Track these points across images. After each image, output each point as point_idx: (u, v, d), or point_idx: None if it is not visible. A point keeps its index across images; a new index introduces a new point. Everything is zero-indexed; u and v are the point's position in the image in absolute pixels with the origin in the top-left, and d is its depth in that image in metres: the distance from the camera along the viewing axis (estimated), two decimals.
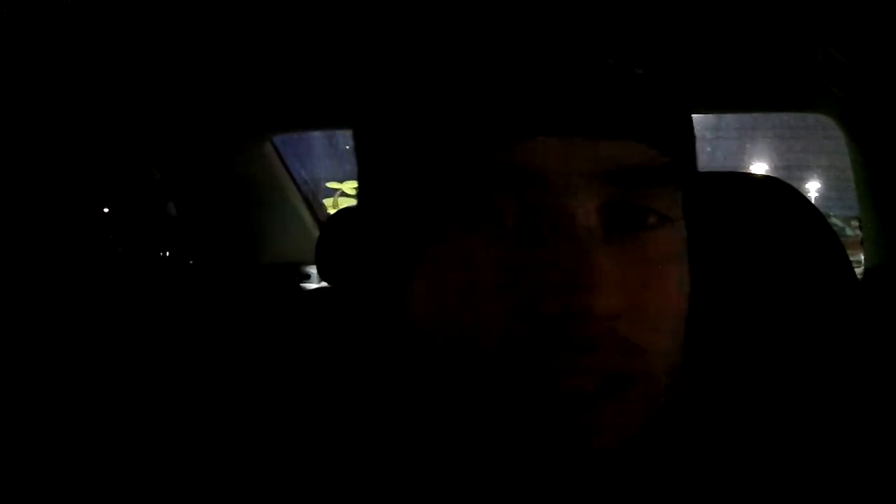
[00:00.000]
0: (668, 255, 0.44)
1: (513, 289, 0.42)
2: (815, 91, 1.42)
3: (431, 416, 0.50)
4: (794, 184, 0.82)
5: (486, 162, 0.42)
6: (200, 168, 1.93)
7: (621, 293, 0.40)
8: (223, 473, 0.58)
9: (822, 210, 0.82)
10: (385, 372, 0.54)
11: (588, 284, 0.39)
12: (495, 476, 0.47)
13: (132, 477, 0.67)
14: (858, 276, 1.15)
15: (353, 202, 2.85)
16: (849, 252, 0.82)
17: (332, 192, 2.99)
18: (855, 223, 1.81)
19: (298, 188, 2.08)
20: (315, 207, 2.15)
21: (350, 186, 2.99)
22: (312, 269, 2.02)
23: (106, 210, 2.25)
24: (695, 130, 0.51)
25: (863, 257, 1.50)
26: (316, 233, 2.05)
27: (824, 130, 1.59)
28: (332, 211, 2.34)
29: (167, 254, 2.29)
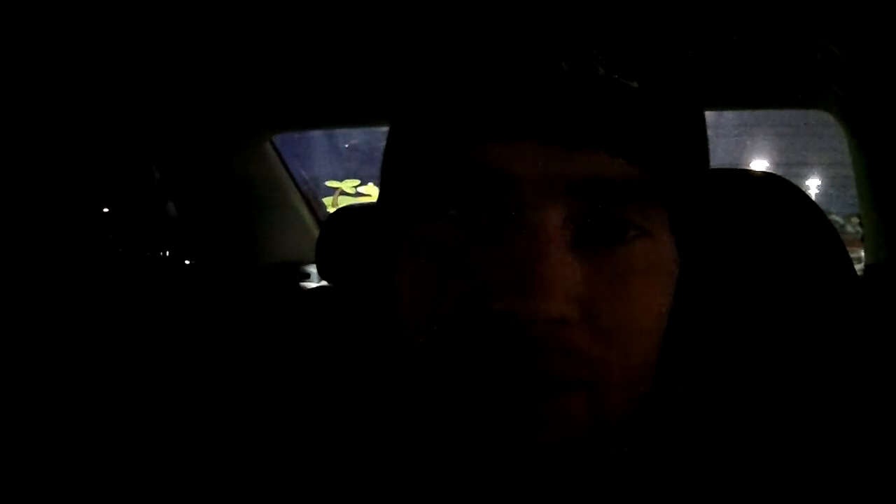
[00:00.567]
0: (643, 269, 0.44)
1: (468, 284, 0.43)
2: (815, 88, 1.42)
3: (408, 410, 0.51)
4: (795, 181, 0.82)
5: (463, 160, 0.43)
6: (200, 168, 1.93)
7: (572, 300, 0.41)
8: (222, 469, 0.58)
9: (823, 207, 0.81)
10: (381, 369, 0.54)
11: (535, 287, 0.40)
12: (462, 468, 0.47)
13: (131, 476, 0.67)
14: (859, 273, 1.15)
15: (352, 201, 2.86)
16: (849, 249, 0.82)
17: (331, 191, 2.99)
18: (855, 220, 1.81)
19: (298, 187, 2.08)
20: (315, 206, 2.15)
21: (349, 185, 3.00)
22: (312, 269, 2.01)
23: (106, 210, 2.25)
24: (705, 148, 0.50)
25: (863, 254, 1.49)
26: (316, 232, 2.04)
27: (825, 127, 1.59)
28: (331, 210, 2.34)
29: (167, 254, 2.28)
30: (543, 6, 0.46)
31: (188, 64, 1.49)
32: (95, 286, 1.90)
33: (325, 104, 1.74)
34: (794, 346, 0.72)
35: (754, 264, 0.78)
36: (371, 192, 3.02)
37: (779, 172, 0.85)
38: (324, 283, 1.38)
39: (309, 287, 2.00)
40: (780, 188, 0.81)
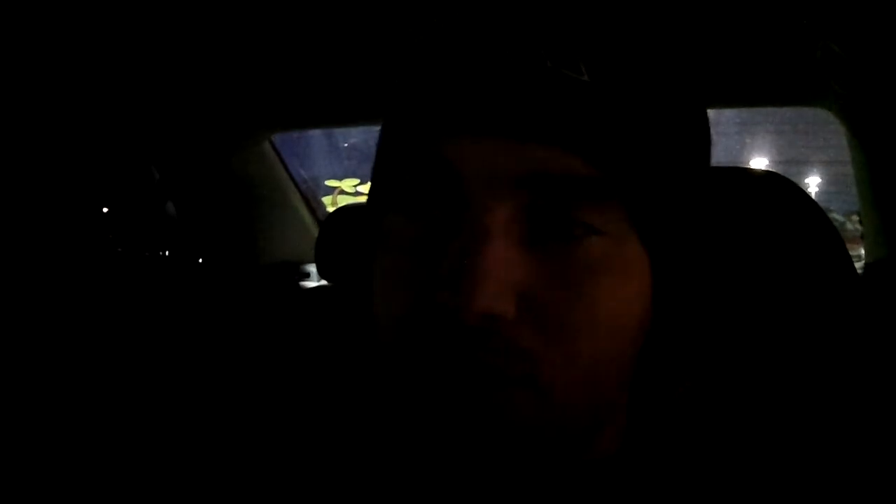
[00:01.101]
0: (593, 268, 0.43)
1: (417, 278, 0.44)
2: (815, 86, 1.42)
3: (384, 406, 0.51)
4: (795, 179, 0.82)
5: (420, 154, 0.44)
6: (199, 167, 1.93)
7: (510, 295, 0.41)
8: (221, 463, 0.58)
9: (823, 205, 0.81)
10: (369, 366, 0.54)
11: (471, 281, 0.40)
12: (438, 466, 0.47)
13: (132, 473, 0.68)
14: (859, 272, 1.15)
15: (352, 200, 2.86)
16: (849, 247, 0.82)
17: (331, 191, 2.99)
18: (855, 218, 1.81)
19: (297, 187, 2.08)
20: (314, 206, 2.15)
21: (349, 184, 3.00)
22: (312, 268, 2.01)
23: (105, 210, 2.25)
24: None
25: (863, 252, 1.49)
26: (315, 231, 2.04)
27: (825, 125, 1.59)
28: (331, 209, 2.34)
29: (166, 253, 2.28)
30: (492, 2, 0.46)
31: (187, 64, 1.48)
32: (95, 286, 1.90)
33: (323, 103, 1.74)
34: (795, 345, 0.72)
35: (753, 263, 0.78)
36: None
37: (779, 170, 0.85)
38: (323, 282, 1.38)
39: (308, 286, 2.00)
40: (779, 186, 0.81)
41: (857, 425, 0.57)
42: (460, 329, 0.41)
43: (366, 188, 3.03)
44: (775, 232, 0.79)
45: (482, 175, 0.42)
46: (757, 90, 1.54)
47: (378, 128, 0.52)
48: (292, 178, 2.07)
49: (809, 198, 0.81)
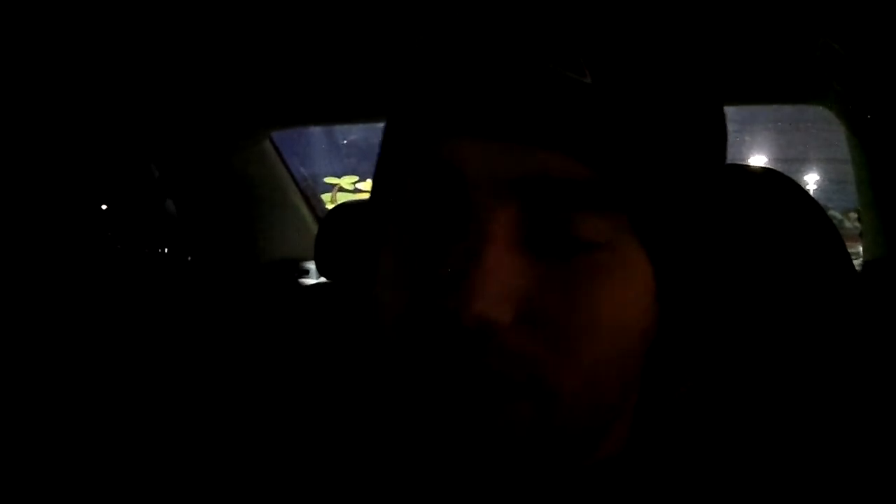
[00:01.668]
0: (597, 274, 0.42)
1: (418, 281, 0.43)
2: (814, 83, 1.42)
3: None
4: (794, 176, 0.82)
5: (423, 155, 0.44)
6: (199, 165, 1.93)
7: (508, 302, 0.41)
8: (222, 462, 0.58)
9: (822, 203, 0.81)
10: (369, 364, 0.54)
11: (473, 285, 0.40)
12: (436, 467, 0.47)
13: (131, 471, 0.68)
14: (857, 269, 1.15)
15: (351, 197, 2.85)
16: (848, 245, 0.82)
17: (330, 188, 2.99)
18: (854, 216, 1.81)
19: (297, 184, 2.08)
20: (313, 203, 2.14)
21: (348, 182, 3.00)
22: (311, 265, 2.01)
23: (104, 207, 2.25)
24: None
25: (861, 250, 1.49)
26: (314, 228, 2.04)
27: (824, 123, 1.59)
28: (330, 206, 2.34)
29: (165, 251, 2.28)
30: (493, 2, 0.45)
31: (186, 61, 1.48)
32: (94, 283, 1.90)
33: (323, 100, 1.74)
34: (794, 344, 0.72)
35: (752, 261, 0.78)
36: (370, 189, 3.01)
37: (777, 168, 0.85)
38: (323, 279, 1.38)
39: (308, 283, 2.00)
40: (778, 184, 0.81)
41: (858, 424, 0.57)
42: (459, 332, 0.40)
43: (365, 185, 3.04)
44: (774, 230, 0.79)
45: (483, 177, 0.42)
46: (757, 88, 1.54)
47: (378, 125, 0.52)
48: (292, 176, 2.07)
49: (808, 195, 0.81)
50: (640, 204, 0.43)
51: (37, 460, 1.09)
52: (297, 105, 1.81)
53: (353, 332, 0.53)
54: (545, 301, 0.41)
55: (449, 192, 0.43)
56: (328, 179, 3.03)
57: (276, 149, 2.01)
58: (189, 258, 2.10)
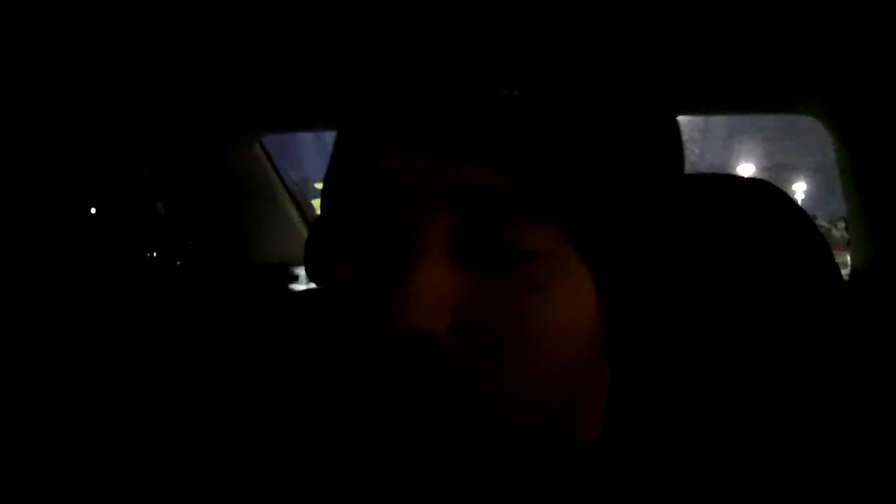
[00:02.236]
0: (530, 285, 0.43)
1: (356, 293, 0.45)
2: (801, 92, 1.43)
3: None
4: (781, 185, 0.83)
5: (365, 167, 0.45)
6: (189, 168, 1.92)
7: (440, 311, 0.42)
8: (212, 467, 0.59)
9: (809, 211, 0.82)
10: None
11: (404, 297, 0.41)
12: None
13: (121, 474, 0.68)
14: (845, 278, 1.16)
15: None
16: (835, 253, 0.83)
17: (320, 193, 2.98)
18: (841, 224, 1.82)
19: (287, 189, 2.07)
20: (304, 208, 2.14)
21: None
22: (301, 271, 2.01)
23: (93, 210, 2.24)
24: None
25: (849, 258, 1.50)
26: (305, 233, 2.04)
27: (812, 132, 1.60)
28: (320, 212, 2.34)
29: (155, 254, 2.28)
30: (428, 20, 0.47)
31: (176, 64, 1.48)
32: (83, 286, 1.90)
33: (314, 104, 1.74)
34: (781, 351, 0.72)
35: (741, 267, 0.78)
36: None
37: (766, 176, 0.85)
38: (312, 285, 1.38)
39: (298, 289, 1.99)
40: (766, 193, 0.82)
41: (844, 431, 0.57)
42: (396, 341, 0.41)
43: None
44: (762, 238, 0.79)
45: (418, 190, 0.43)
46: (744, 97, 1.55)
47: None
48: (282, 180, 2.06)
49: (796, 204, 0.82)
50: (573, 214, 0.43)
51: (28, 467, 1.08)
52: (289, 109, 1.81)
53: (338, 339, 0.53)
54: (479, 310, 0.42)
55: (387, 204, 0.44)
56: (319, 184, 3.03)
57: (267, 153, 2.01)
58: (178, 262, 2.10)
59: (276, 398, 0.64)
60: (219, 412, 0.66)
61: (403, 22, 0.48)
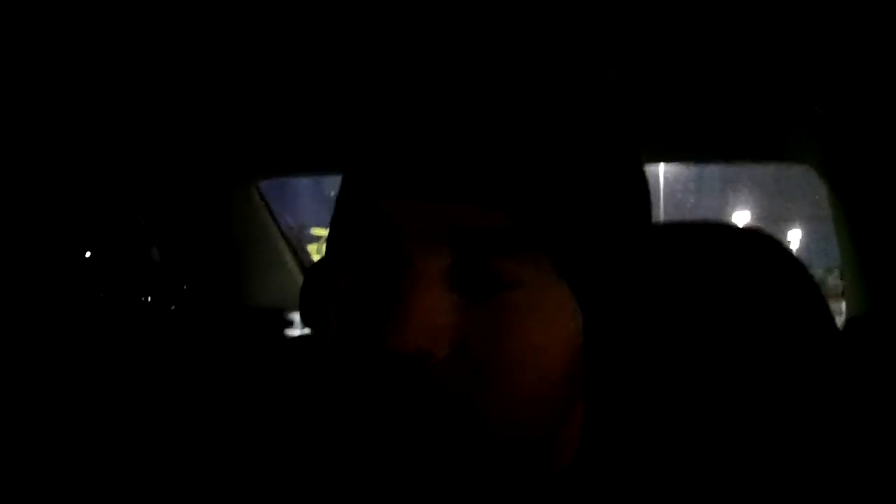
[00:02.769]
0: (519, 314, 0.46)
1: (355, 326, 0.48)
2: (794, 143, 1.44)
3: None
4: (776, 233, 0.83)
5: (364, 214, 0.49)
6: (186, 213, 1.93)
7: (433, 336, 0.44)
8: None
9: (804, 260, 0.82)
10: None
11: (399, 320, 0.44)
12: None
13: None
14: (840, 327, 1.15)
15: None
16: (830, 302, 0.83)
17: (317, 239, 2.98)
18: (836, 273, 1.82)
19: (283, 234, 2.08)
20: (300, 253, 2.14)
21: None
22: (296, 316, 2.01)
23: (88, 254, 2.24)
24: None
25: (844, 307, 1.50)
26: (300, 279, 2.04)
27: (807, 182, 1.61)
28: (316, 257, 2.34)
29: (149, 299, 2.27)
30: (426, 70, 0.50)
31: (174, 111, 1.49)
32: (77, 331, 1.89)
33: (311, 150, 1.75)
34: (775, 400, 0.72)
35: (735, 316, 0.78)
36: None
37: (761, 225, 0.86)
38: (307, 330, 1.37)
39: (293, 334, 1.99)
40: (762, 242, 0.82)
41: (838, 478, 0.57)
42: (391, 361, 0.44)
43: None
44: (757, 287, 0.79)
45: (415, 231, 0.46)
46: (740, 147, 1.56)
47: None
48: (278, 226, 2.07)
49: (790, 252, 0.82)
50: (558, 246, 0.47)
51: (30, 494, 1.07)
52: (285, 155, 1.82)
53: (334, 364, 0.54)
54: (470, 336, 0.46)
55: (386, 242, 0.47)
56: (315, 230, 3.03)
57: (263, 198, 2.01)
58: (173, 307, 2.09)
59: (270, 442, 0.64)
60: (214, 455, 0.66)
61: (395, 70, 0.52)
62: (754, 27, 1.03)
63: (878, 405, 0.80)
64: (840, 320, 1.44)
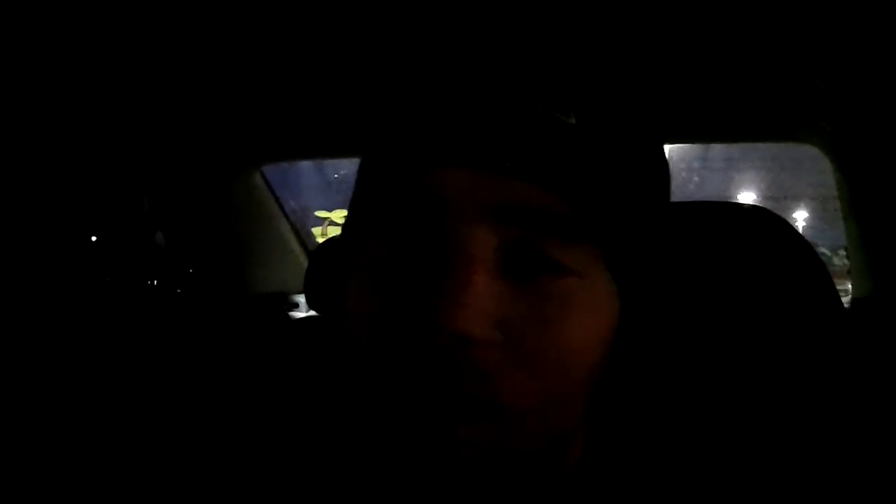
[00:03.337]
0: (564, 306, 0.45)
1: (393, 299, 0.45)
2: (802, 122, 1.43)
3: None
4: (782, 213, 0.82)
5: (407, 183, 0.46)
6: (189, 197, 1.93)
7: (484, 320, 0.42)
8: (213, 499, 0.58)
9: (810, 239, 0.82)
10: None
11: (453, 301, 0.42)
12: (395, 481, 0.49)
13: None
14: (846, 306, 1.15)
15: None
16: (836, 282, 0.83)
17: (321, 222, 2.99)
18: (843, 253, 1.82)
19: (287, 217, 2.08)
20: (304, 236, 2.14)
21: (339, 216, 3.00)
22: (301, 298, 2.01)
23: (94, 239, 2.24)
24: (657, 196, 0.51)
25: (850, 287, 1.50)
26: (304, 261, 2.04)
27: (813, 161, 1.60)
28: (320, 240, 2.34)
29: (154, 283, 2.27)
30: (486, 42, 0.48)
31: (178, 95, 1.49)
32: (82, 315, 1.89)
33: (314, 134, 1.75)
34: (781, 379, 0.72)
35: (741, 296, 0.78)
36: None
37: (767, 205, 0.85)
38: (312, 312, 1.37)
39: (297, 317, 1.99)
40: (767, 221, 0.81)
41: (843, 459, 0.57)
42: (432, 346, 0.42)
43: None
44: (762, 266, 0.79)
45: (467, 203, 0.44)
46: (745, 126, 1.56)
47: None
48: (282, 209, 2.07)
49: (796, 231, 0.82)
50: (609, 236, 0.46)
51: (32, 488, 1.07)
52: (288, 139, 1.82)
53: (340, 366, 0.53)
54: (515, 325, 0.44)
55: (429, 215, 0.45)
56: (319, 213, 3.03)
57: (267, 182, 2.01)
58: (178, 291, 2.09)
59: (277, 427, 0.63)
60: (220, 438, 0.66)
61: (465, 46, 0.49)
62: (761, 6, 1.02)
63: (885, 385, 0.79)
64: (846, 299, 1.44)
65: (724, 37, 1.13)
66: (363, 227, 0.51)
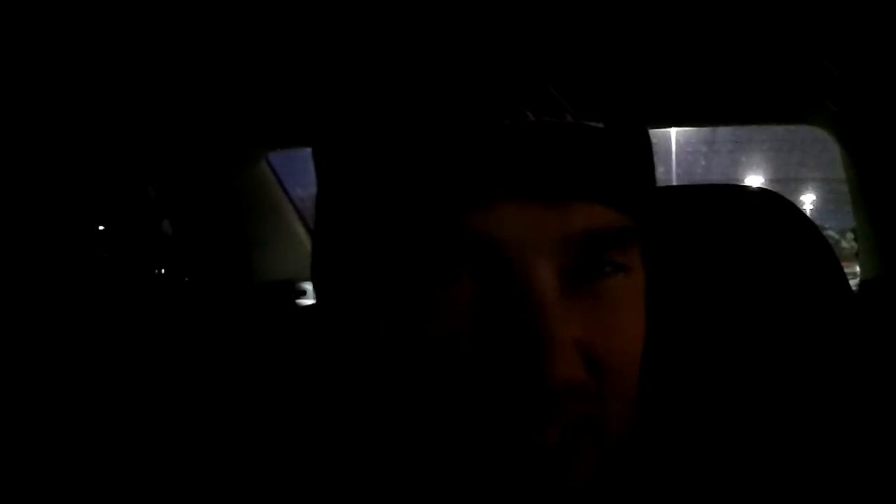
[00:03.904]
0: (622, 301, 0.44)
1: (478, 351, 0.41)
2: (809, 104, 1.42)
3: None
4: (790, 196, 0.82)
5: (446, 227, 0.40)
6: (196, 186, 1.93)
7: (577, 350, 0.41)
8: (220, 489, 0.58)
9: (818, 222, 0.82)
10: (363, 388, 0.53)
11: (550, 352, 0.39)
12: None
13: (128, 487, 0.68)
14: (854, 289, 1.15)
15: None
16: (844, 264, 0.82)
17: None
18: (850, 236, 1.82)
19: (294, 205, 2.08)
20: (310, 224, 2.14)
21: None
22: (308, 286, 2.01)
23: (101, 228, 2.25)
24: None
25: (858, 269, 1.50)
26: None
27: (820, 143, 1.60)
28: None
29: (162, 271, 2.28)
30: (499, 61, 0.42)
31: (184, 82, 1.49)
32: (90, 304, 1.90)
33: (322, 121, 1.75)
34: (789, 361, 0.72)
35: (749, 278, 0.78)
36: None
37: (774, 188, 0.85)
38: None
39: (304, 304, 1.99)
40: (774, 204, 0.81)
41: (850, 441, 0.57)
42: (543, 393, 0.39)
43: None
44: (770, 248, 0.79)
45: (523, 240, 0.40)
46: (752, 108, 1.55)
47: None
48: (289, 197, 2.07)
49: (804, 215, 0.82)
50: (653, 233, 0.46)
51: (34, 480, 1.08)
52: (295, 126, 1.82)
53: (347, 354, 0.53)
54: (589, 337, 0.42)
55: (488, 260, 0.41)
56: None
57: (273, 170, 2.01)
58: (185, 279, 2.10)
59: (285, 415, 0.64)
60: (228, 428, 0.66)
61: (469, 72, 0.43)
62: None
63: (891, 365, 0.79)
64: (854, 282, 1.43)
65: (731, 18, 1.12)
66: (390, 262, 0.43)
